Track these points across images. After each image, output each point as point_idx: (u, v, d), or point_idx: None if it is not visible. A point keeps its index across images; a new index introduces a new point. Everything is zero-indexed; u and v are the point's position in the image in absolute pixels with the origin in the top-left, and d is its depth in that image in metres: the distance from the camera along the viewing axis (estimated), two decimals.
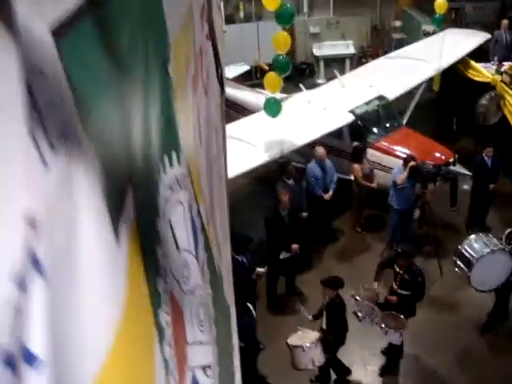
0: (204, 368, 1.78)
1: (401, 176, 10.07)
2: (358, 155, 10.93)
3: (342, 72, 15.14)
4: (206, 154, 2.90)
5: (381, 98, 11.92)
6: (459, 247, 8.38)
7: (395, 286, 8.03)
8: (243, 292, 7.79)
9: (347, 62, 17.66)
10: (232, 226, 9.80)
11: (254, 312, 7.55)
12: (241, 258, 8.19)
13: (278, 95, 10.20)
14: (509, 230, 8.53)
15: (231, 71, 14.81)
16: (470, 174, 10.90)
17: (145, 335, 1.15)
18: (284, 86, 10.31)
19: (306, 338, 7.44)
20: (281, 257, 9.38)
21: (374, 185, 10.86)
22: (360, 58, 17.87)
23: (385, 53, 15.65)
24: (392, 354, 8.39)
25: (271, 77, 9.71)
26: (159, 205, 1.41)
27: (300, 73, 17.47)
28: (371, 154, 11.15)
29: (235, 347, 2.94)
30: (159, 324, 1.28)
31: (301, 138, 10.55)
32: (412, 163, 10.00)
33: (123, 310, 0.99)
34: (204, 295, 1.92)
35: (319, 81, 16.94)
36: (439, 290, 9.69)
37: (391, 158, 10.94)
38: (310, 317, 7.97)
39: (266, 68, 13.80)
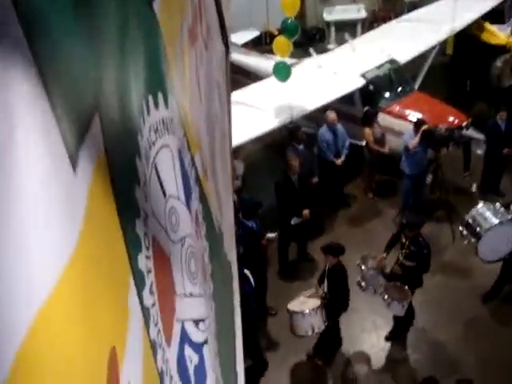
0: (196, 321, 1.71)
1: (412, 141, 9.91)
2: (369, 119, 10.78)
3: (354, 37, 14.89)
4: (206, 111, 2.81)
5: (392, 61, 11.71)
6: (466, 217, 8.22)
7: (401, 257, 7.90)
8: (252, 257, 7.75)
9: (358, 27, 17.37)
10: (241, 191, 9.73)
11: (252, 280, 7.44)
12: (250, 223, 8.15)
13: (288, 60, 10.05)
14: None
15: (241, 37, 14.58)
16: (484, 138, 10.72)
17: (112, 276, 1.06)
18: (294, 51, 10.15)
19: (306, 304, 7.36)
20: (292, 222, 9.32)
21: (385, 149, 10.73)
22: (371, 23, 17.55)
23: (397, 16, 15.36)
24: (399, 324, 8.29)
25: (280, 41, 9.57)
26: (140, 145, 1.32)
27: (310, 38, 17.22)
28: (383, 118, 10.98)
29: (236, 307, 2.88)
30: (137, 268, 1.19)
31: (311, 103, 10.44)
32: (424, 127, 9.83)
33: (78, 243, 0.90)
34: (197, 247, 1.84)
35: (330, 46, 16.67)
36: (451, 256, 9.60)
37: (403, 122, 10.77)
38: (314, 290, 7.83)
39: (276, 33, 13.58)
